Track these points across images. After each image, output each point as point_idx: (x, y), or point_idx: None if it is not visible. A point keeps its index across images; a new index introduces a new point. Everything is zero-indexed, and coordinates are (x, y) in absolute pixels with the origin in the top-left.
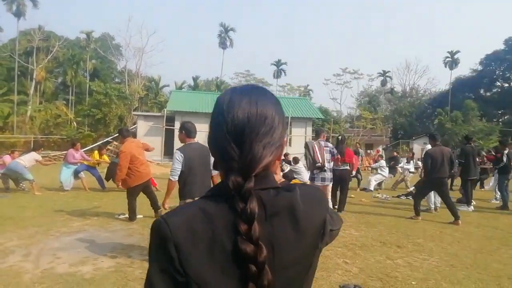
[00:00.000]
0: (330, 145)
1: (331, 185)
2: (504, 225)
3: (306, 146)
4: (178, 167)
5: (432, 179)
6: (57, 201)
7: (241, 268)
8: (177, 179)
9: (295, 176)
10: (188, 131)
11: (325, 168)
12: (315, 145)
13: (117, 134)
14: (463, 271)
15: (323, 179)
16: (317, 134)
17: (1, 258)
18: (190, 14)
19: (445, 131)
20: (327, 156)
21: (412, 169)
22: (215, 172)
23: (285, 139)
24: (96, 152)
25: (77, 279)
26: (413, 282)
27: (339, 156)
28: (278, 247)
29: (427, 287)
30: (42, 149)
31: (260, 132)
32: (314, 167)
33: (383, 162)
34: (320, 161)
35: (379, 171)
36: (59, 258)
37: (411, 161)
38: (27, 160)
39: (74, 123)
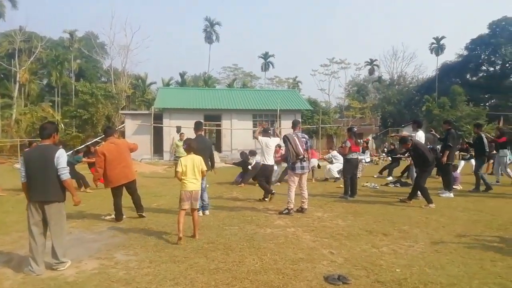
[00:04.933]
0: (306, 136)
1: (307, 173)
2: (489, 208)
3: (287, 139)
4: (22, 168)
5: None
6: None
7: None
8: (25, 181)
9: None
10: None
11: (304, 158)
12: (295, 137)
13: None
14: (447, 256)
15: (302, 168)
16: (294, 126)
17: None
18: (174, 9)
19: (433, 118)
20: (304, 147)
21: (368, 159)
22: (67, 176)
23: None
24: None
25: (59, 282)
26: (397, 270)
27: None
28: None
29: (411, 273)
30: None
31: None
32: (297, 158)
33: (335, 153)
34: (302, 154)
35: (334, 160)
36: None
37: (366, 151)
38: None
39: (62, 124)
